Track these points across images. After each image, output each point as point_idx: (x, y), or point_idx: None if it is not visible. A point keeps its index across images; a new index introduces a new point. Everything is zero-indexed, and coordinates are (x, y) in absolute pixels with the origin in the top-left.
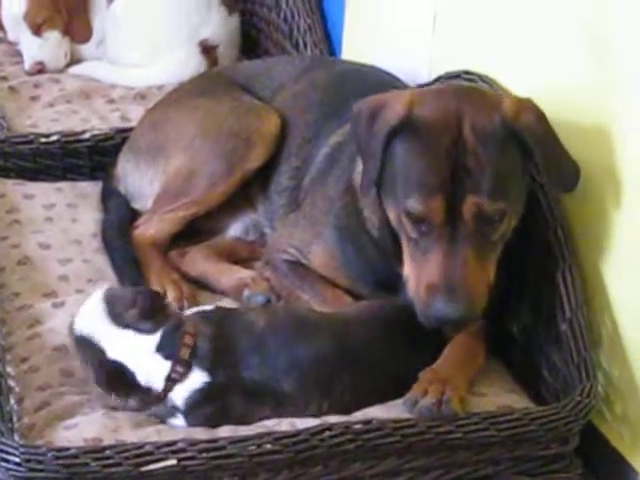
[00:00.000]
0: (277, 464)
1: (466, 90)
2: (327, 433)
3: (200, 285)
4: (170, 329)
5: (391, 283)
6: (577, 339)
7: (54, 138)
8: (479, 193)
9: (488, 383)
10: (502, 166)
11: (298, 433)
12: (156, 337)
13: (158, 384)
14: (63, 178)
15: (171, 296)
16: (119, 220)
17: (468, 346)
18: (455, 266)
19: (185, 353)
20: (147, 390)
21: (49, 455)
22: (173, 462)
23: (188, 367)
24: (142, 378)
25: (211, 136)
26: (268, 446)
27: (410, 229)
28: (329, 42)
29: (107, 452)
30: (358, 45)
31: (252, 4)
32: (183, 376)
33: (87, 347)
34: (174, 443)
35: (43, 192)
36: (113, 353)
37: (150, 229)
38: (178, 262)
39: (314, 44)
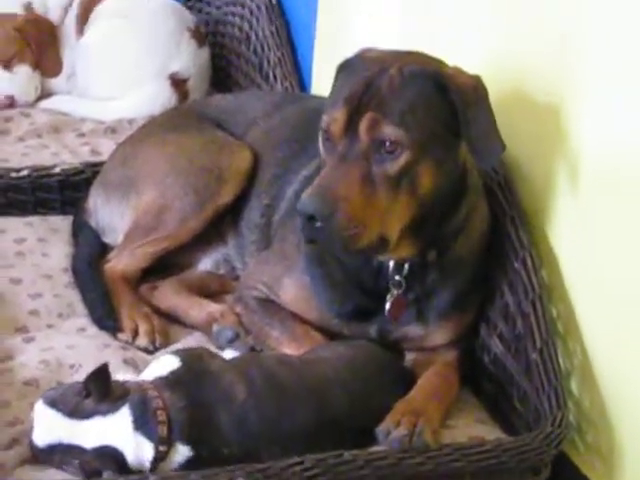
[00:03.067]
0: None
1: (423, 54)
2: (298, 467)
3: (171, 319)
4: (137, 404)
5: (361, 314)
6: (548, 368)
7: (24, 173)
8: (379, 111)
9: (459, 414)
10: (416, 101)
11: (269, 467)
12: (125, 414)
13: (146, 464)
14: (34, 212)
15: (142, 330)
16: (90, 254)
17: (442, 377)
18: (335, 174)
19: (163, 431)
20: (137, 470)
21: None
22: None
23: (170, 444)
24: (132, 459)
25: (182, 172)
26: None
27: (322, 151)
28: (299, 75)
29: None
30: (328, 78)
31: (222, 37)
32: (167, 454)
33: (58, 452)
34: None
35: (14, 227)
36: (92, 442)
37: (121, 263)
38: (149, 296)
39: (284, 77)
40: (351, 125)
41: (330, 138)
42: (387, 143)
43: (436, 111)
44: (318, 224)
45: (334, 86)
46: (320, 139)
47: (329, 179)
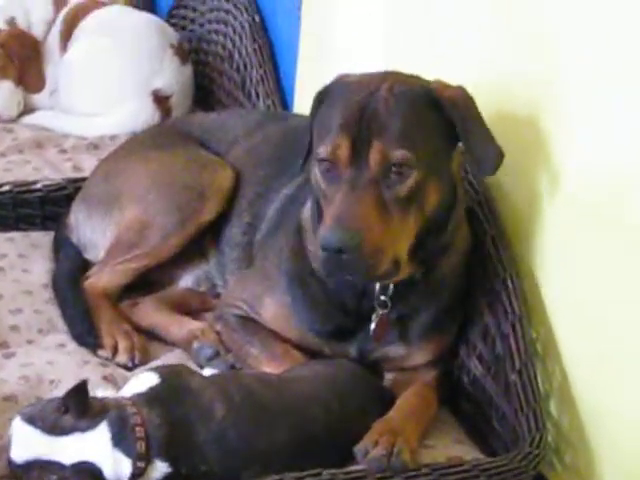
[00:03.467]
0: None
1: (401, 72)
2: None
3: (151, 336)
4: (115, 420)
5: (340, 332)
6: (527, 389)
7: (6, 188)
8: (384, 137)
9: (438, 434)
10: (414, 121)
11: None
12: (103, 431)
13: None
14: (15, 228)
15: (122, 346)
16: (71, 270)
17: (421, 397)
18: (352, 203)
19: (141, 447)
20: None
21: None
22: None
23: (148, 460)
24: (110, 475)
25: (165, 189)
26: None
27: (322, 179)
28: (281, 93)
29: None
30: (310, 96)
31: (205, 54)
32: (145, 470)
33: (36, 468)
34: None
35: None
36: (71, 458)
37: (102, 280)
38: (129, 313)
39: (266, 95)
40: (356, 153)
41: (333, 167)
42: (396, 166)
43: (432, 127)
44: (344, 257)
45: (319, 114)
46: (317, 170)
47: (345, 210)
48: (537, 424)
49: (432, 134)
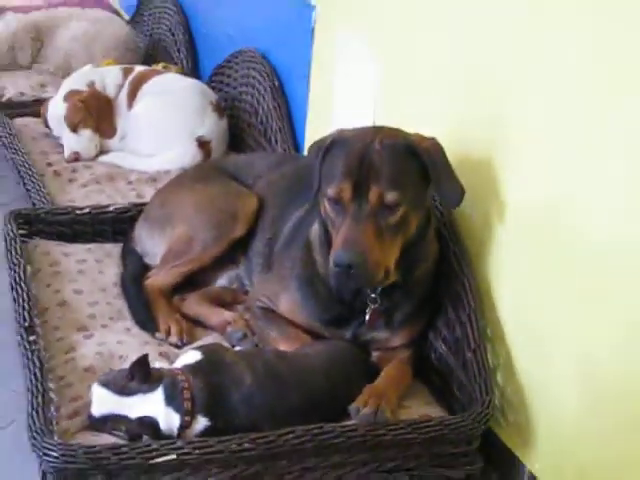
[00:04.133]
0: (252, 458)
1: (387, 127)
2: (290, 435)
3: (196, 322)
4: (169, 385)
5: (339, 321)
6: (479, 364)
7: (86, 210)
8: (380, 182)
9: (412, 398)
10: (400, 168)
11: (268, 435)
12: (160, 393)
13: (174, 431)
14: (93, 241)
15: (174, 330)
16: (135, 273)
17: (399, 370)
18: (356, 231)
19: (188, 405)
20: (168, 435)
21: (80, 451)
22: (173, 456)
23: (193, 416)
24: (164, 426)
25: (206, 212)
26: (246, 444)
27: (331, 211)
28: (295, 139)
29: (123, 449)
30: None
31: (237, 110)
32: (190, 423)
33: (110, 421)
34: (175, 442)
35: (77, 251)
36: (135, 413)
37: (158, 280)
38: (179, 305)
39: (283, 141)
40: (357, 193)
41: (339, 203)
42: (388, 204)
43: (413, 171)
44: (352, 271)
45: (326, 161)
46: (327, 204)
47: (352, 236)
48: (487, 391)
49: (413, 177)
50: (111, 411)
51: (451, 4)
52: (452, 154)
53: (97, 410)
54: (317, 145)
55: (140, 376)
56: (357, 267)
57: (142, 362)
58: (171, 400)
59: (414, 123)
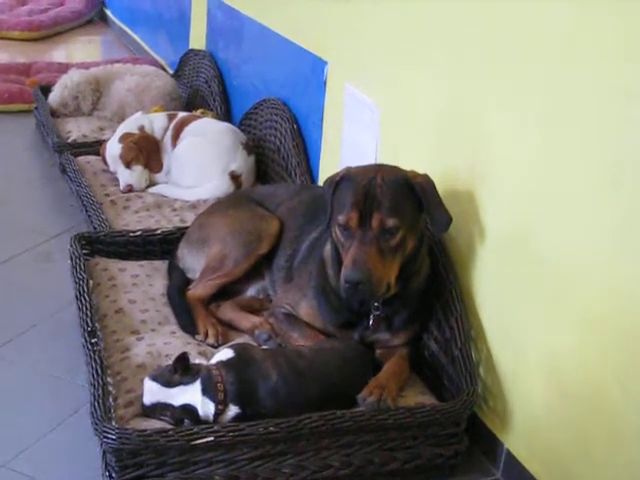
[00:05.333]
0: (277, 439)
1: (387, 164)
2: (308, 420)
3: (229, 326)
4: (205, 378)
5: (348, 324)
6: (465, 360)
7: (138, 233)
8: (381, 211)
9: (409, 388)
10: (398, 199)
11: (289, 420)
12: (198, 385)
13: (210, 417)
14: (143, 258)
15: (211, 333)
16: (179, 285)
17: (399, 365)
18: (362, 253)
19: (221, 396)
20: (205, 420)
21: (133, 434)
22: (211, 438)
23: (225, 405)
24: (201, 413)
25: (237, 234)
26: (271, 428)
27: (340, 235)
28: (311, 173)
29: (169, 432)
30: (328, 175)
31: (263, 149)
32: (223, 410)
33: (158, 408)
34: (212, 427)
35: (131, 267)
36: (178, 401)
37: (198, 291)
38: (215, 312)
39: (301, 174)
40: (363, 221)
41: (347, 229)
42: (389, 228)
43: (409, 202)
44: (360, 287)
45: (337, 193)
46: (337, 229)
47: (359, 257)
48: (471, 382)
49: (409, 206)
50: (159, 400)
51: (440, 62)
52: (441, 188)
53: (148, 399)
54: (329, 180)
55: (182, 370)
56: (364, 284)
57: (183, 358)
58: (207, 391)
59: (410, 161)
